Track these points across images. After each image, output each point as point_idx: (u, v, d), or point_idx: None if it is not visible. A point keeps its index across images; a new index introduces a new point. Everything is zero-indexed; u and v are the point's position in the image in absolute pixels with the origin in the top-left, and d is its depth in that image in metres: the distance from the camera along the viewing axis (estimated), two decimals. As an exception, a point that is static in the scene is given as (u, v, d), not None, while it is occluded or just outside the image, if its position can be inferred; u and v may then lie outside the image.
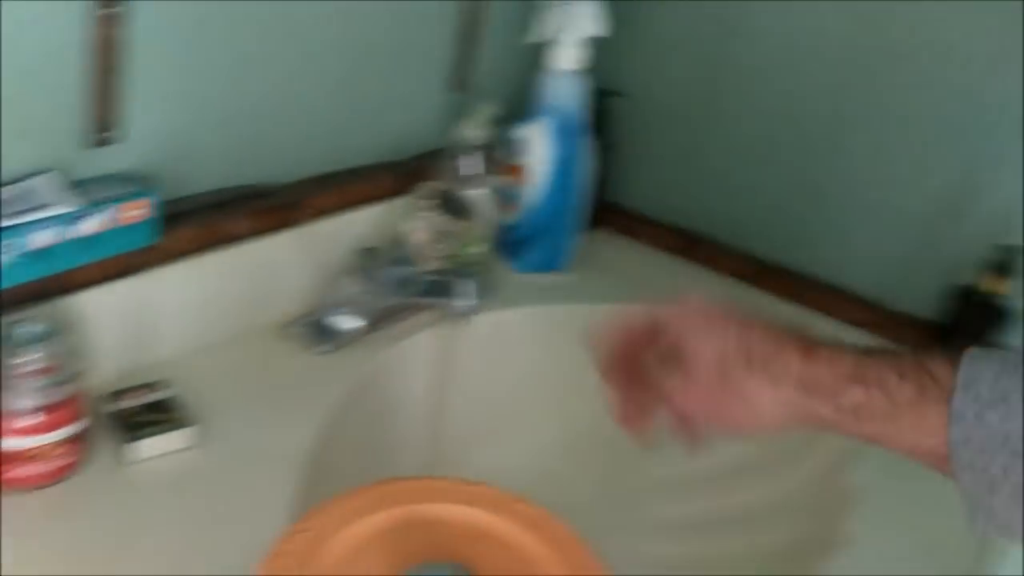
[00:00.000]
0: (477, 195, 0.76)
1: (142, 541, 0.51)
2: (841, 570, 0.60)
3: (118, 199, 0.59)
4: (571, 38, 0.83)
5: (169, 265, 0.65)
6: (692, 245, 1.00)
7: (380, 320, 0.75)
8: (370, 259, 0.75)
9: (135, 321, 0.64)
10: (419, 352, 0.76)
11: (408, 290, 0.72)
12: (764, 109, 0.95)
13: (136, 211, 0.61)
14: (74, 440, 0.53)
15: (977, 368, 0.38)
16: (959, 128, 0.84)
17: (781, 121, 0.94)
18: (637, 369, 0.49)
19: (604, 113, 0.96)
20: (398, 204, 0.82)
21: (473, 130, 0.80)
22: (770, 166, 0.96)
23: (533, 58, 0.87)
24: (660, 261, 0.99)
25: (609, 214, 1.03)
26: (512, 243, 0.89)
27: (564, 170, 0.86)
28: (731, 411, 0.43)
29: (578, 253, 0.92)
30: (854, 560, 0.61)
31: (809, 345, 0.42)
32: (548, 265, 0.90)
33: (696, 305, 0.46)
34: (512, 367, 0.82)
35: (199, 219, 0.67)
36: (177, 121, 0.65)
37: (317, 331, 0.72)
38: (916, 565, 0.62)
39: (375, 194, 0.81)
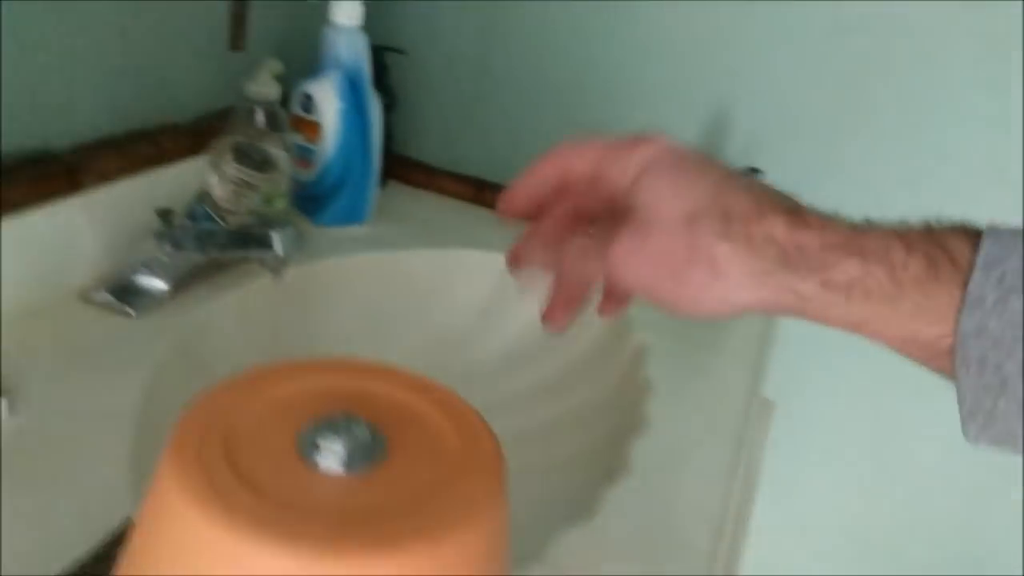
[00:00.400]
0: (274, 150, 0.77)
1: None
2: (647, 449, 0.69)
3: None
4: (348, -7, 0.85)
5: (-52, 236, 0.60)
6: (481, 191, 1.07)
7: (188, 279, 0.73)
8: (169, 219, 0.73)
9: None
10: (233, 307, 0.75)
11: (214, 246, 0.71)
12: (535, 59, 1.02)
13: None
14: None
15: (1003, 245, 0.32)
16: (713, 69, 0.96)
17: (552, 70, 1.02)
18: (569, 232, 0.39)
19: (384, 69, 0.99)
20: (190, 165, 0.80)
21: (259, 87, 0.80)
22: (546, 112, 1.04)
23: (312, 15, 0.88)
24: (453, 207, 1.05)
25: (399, 167, 1.06)
26: (311, 198, 0.90)
27: (355, 124, 0.88)
28: (691, 283, 0.34)
29: (375, 205, 0.95)
30: (655, 439, 0.70)
31: (797, 210, 0.35)
32: (349, 218, 0.92)
33: (660, 144, 0.37)
34: (327, 316, 0.83)
35: (-26, 186, 0.63)
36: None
37: (121, 295, 0.70)
38: (703, 439, 0.72)
39: (162, 156, 0.79)
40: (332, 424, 0.28)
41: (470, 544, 0.26)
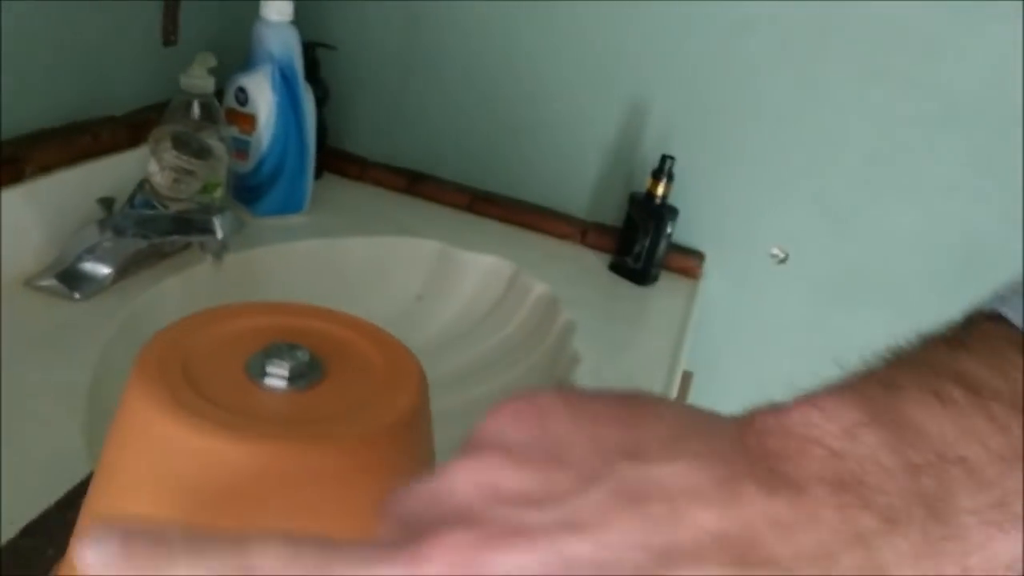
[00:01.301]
0: (211, 140, 0.80)
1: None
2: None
3: None
4: (279, -9, 0.89)
5: None
6: (414, 183, 1.11)
7: (130, 265, 0.76)
8: (110, 207, 0.76)
9: None
10: (175, 291, 0.78)
11: (156, 231, 0.74)
12: (460, 56, 1.07)
13: None
14: None
15: None
16: (629, 64, 1.03)
17: (476, 66, 1.07)
18: None
19: (315, 64, 1.03)
20: (128, 156, 0.83)
21: (194, 80, 0.83)
22: (474, 107, 1.09)
23: (243, 11, 0.92)
24: (387, 198, 1.09)
25: (333, 160, 1.10)
26: (249, 189, 0.93)
27: (289, 116, 0.92)
28: None
29: (312, 195, 0.99)
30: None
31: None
32: (286, 208, 0.95)
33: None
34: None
35: (-83, 175, 0.65)
36: None
37: (66, 280, 0.72)
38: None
39: (100, 147, 0.81)
40: (277, 349, 0.32)
41: (395, 439, 0.31)
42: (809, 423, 0.22)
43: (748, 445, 0.21)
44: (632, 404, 0.23)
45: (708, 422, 0.23)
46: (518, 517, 0.21)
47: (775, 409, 0.23)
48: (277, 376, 0.32)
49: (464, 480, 0.22)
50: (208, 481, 0.28)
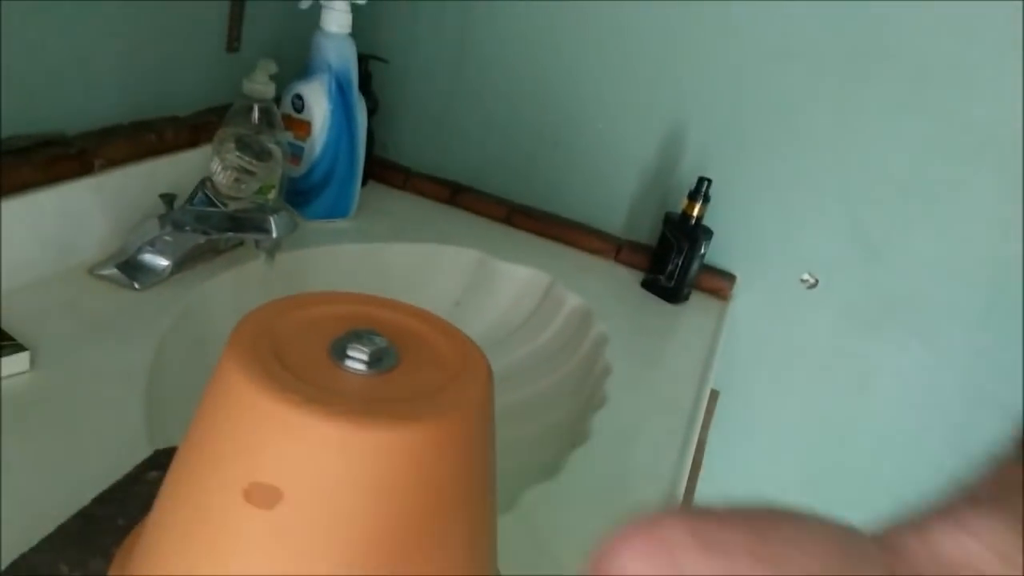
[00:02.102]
0: (270, 144, 0.83)
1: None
2: (604, 422, 0.76)
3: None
4: (339, 3, 0.92)
5: (-27, 208, 0.66)
6: (455, 194, 1.14)
7: (187, 259, 0.79)
8: (171, 203, 0.79)
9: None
10: (228, 285, 0.82)
11: (214, 228, 0.78)
12: (505, 73, 1.10)
13: (-59, 151, 0.61)
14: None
15: None
16: (670, 85, 1.05)
17: (521, 83, 1.10)
18: None
19: (367, 76, 1.06)
20: (189, 155, 0.87)
21: (256, 86, 0.87)
22: (516, 123, 1.12)
23: (303, 21, 0.95)
24: (429, 207, 1.12)
25: (378, 169, 1.14)
26: (299, 193, 0.96)
27: (343, 125, 0.95)
28: None
29: (358, 202, 1.02)
30: (612, 414, 0.78)
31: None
32: (334, 212, 0.98)
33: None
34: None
35: (-2, 164, 0.69)
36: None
37: (127, 270, 0.76)
38: (651, 416, 0.80)
39: (162, 146, 0.85)
40: (357, 335, 0.35)
41: (469, 424, 0.33)
42: (967, 553, 0.20)
43: None
44: (768, 534, 0.22)
45: (852, 551, 0.21)
46: None
47: (920, 531, 0.21)
48: (357, 359, 0.34)
49: None
50: (296, 452, 0.31)
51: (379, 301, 0.39)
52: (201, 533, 0.32)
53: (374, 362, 0.35)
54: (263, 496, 0.31)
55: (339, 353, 0.35)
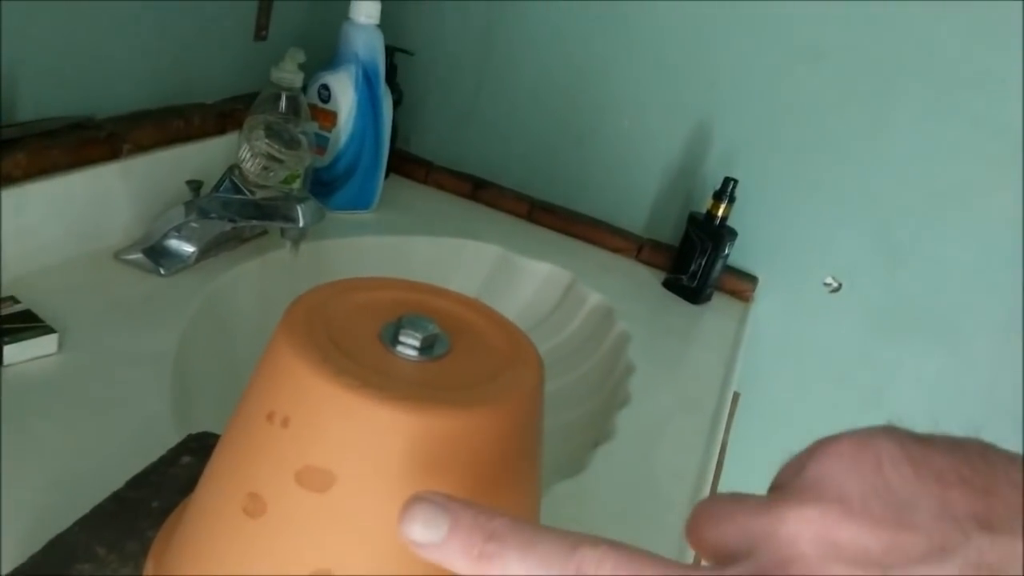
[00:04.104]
0: (298, 131, 0.83)
1: (30, 437, 0.53)
2: (628, 421, 0.76)
3: (-43, 116, 0.59)
4: (368, -6, 0.92)
5: (5, 189, 0.65)
6: (477, 189, 1.14)
7: (212, 246, 0.79)
8: (197, 190, 0.79)
9: (-29, 243, 0.64)
10: (252, 273, 0.81)
11: (241, 215, 0.77)
12: (531, 68, 1.10)
13: (-26, 129, 0.61)
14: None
15: None
16: (698, 85, 1.05)
17: (546, 79, 1.10)
18: None
19: (393, 68, 1.06)
20: (215, 142, 0.86)
21: (284, 74, 0.86)
22: (540, 119, 1.12)
23: (330, 11, 0.95)
24: (451, 202, 1.12)
25: (401, 162, 1.13)
26: (323, 183, 0.96)
27: (368, 116, 0.95)
28: None
29: (380, 194, 1.02)
30: (635, 412, 0.77)
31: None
32: (357, 204, 0.98)
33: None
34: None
35: (29, 145, 0.68)
36: (5, 49, 0.65)
37: (151, 256, 0.75)
38: (675, 416, 0.80)
39: (189, 132, 0.85)
40: (410, 320, 0.34)
41: (522, 411, 0.33)
42: None
43: None
44: (978, 463, 0.21)
45: None
46: None
47: None
48: (409, 345, 0.34)
49: (802, 531, 0.21)
50: (350, 436, 0.30)
51: (428, 288, 0.39)
52: (252, 516, 0.31)
53: (426, 348, 0.34)
54: (316, 479, 0.30)
55: (391, 338, 0.34)
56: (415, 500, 0.24)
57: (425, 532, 0.23)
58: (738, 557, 0.22)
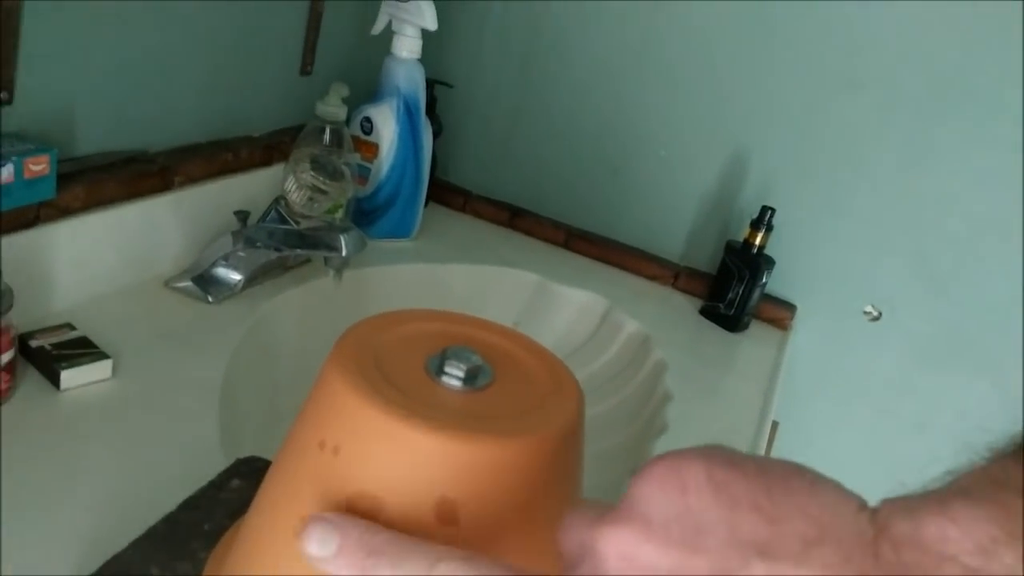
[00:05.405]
0: (341, 163, 0.85)
1: (85, 460, 0.55)
2: (665, 449, 0.76)
3: (23, 154, 0.62)
4: (410, 30, 0.94)
5: (63, 221, 0.68)
6: (514, 217, 1.15)
7: (259, 274, 0.81)
8: (244, 220, 0.81)
9: (32, 272, 0.66)
10: (296, 301, 0.83)
11: (285, 245, 0.79)
12: (568, 99, 1.12)
13: (38, 166, 0.64)
14: (7, 368, 0.56)
15: None
16: (734, 113, 1.05)
17: (583, 109, 1.11)
18: None
19: (433, 100, 1.08)
20: (262, 174, 0.89)
21: (329, 108, 0.89)
22: (576, 148, 1.13)
23: (371, 47, 0.98)
24: (488, 230, 1.14)
25: (439, 190, 1.15)
26: (364, 212, 0.98)
27: (409, 147, 0.97)
28: None
29: (420, 223, 1.04)
30: (673, 442, 0.77)
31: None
32: (397, 232, 1.00)
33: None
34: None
35: (86, 179, 0.71)
36: (64, 87, 0.69)
37: (200, 284, 0.78)
38: (713, 443, 0.80)
39: (238, 165, 0.88)
40: (454, 352, 0.35)
41: (564, 441, 0.34)
42: (945, 538, 0.21)
43: (883, 556, 0.21)
44: (777, 491, 0.23)
45: (845, 519, 0.22)
46: None
47: (909, 512, 0.22)
48: (454, 376, 0.35)
49: (609, 547, 0.24)
50: (398, 463, 0.31)
51: (471, 320, 0.40)
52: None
53: (470, 379, 0.35)
54: (366, 505, 0.31)
55: (436, 369, 0.35)
56: (313, 519, 0.29)
57: (319, 547, 0.28)
58: (573, 565, 0.25)
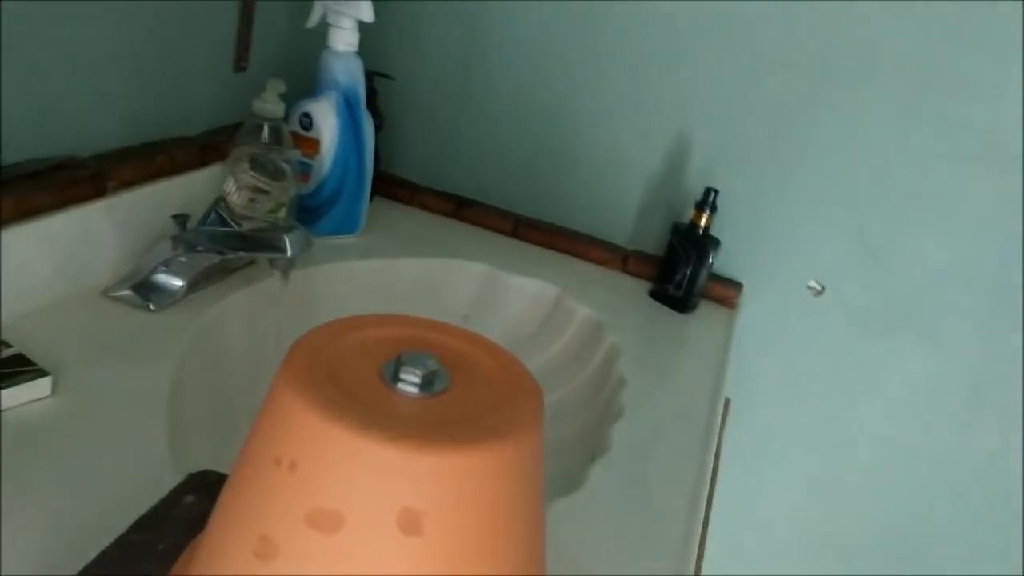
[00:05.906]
0: (282, 161, 0.83)
1: (29, 483, 0.53)
2: (623, 434, 0.77)
3: (-58, 164, 0.60)
4: (346, 22, 0.93)
5: (-9, 233, 0.65)
6: (461, 208, 1.14)
7: (202, 279, 0.79)
8: (183, 223, 0.79)
9: (-40, 289, 0.64)
10: (241, 305, 0.81)
11: (228, 247, 0.77)
12: (510, 88, 1.11)
13: (-41, 176, 0.61)
14: (-61, 393, 0.54)
15: None
16: (673, 96, 1.06)
17: (525, 97, 1.11)
18: None
19: (373, 93, 1.07)
20: (199, 175, 0.87)
21: (266, 105, 0.87)
22: (520, 136, 1.13)
23: (308, 40, 0.95)
24: (436, 222, 1.13)
25: (384, 184, 1.14)
26: (307, 210, 0.96)
27: (351, 142, 0.96)
28: None
29: (366, 218, 1.02)
30: (629, 425, 0.78)
31: None
32: (343, 228, 0.98)
33: None
34: (324, 316, 0.89)
35: (14, 189, 0.68)
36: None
37: (140, 292, 0.76)
38: (669, 426, 0.81)
39: (174, 167, 0.85)
40: (409, 357, 0.35)
41: (523, 446, 0.33)
42: None
43: None
44: None
45: None
46: None
47: None
48: (410, 382, 0.34)
49: None
50: (357, 477, 0.31)
51: (424, 323, 0.39)
52: (263, 559, 0.32)
53: (426, 385, 0.35)
54: (326, 521, 0.31)
55: (391, 376, 0.35)
56: None
57: None
58: None
